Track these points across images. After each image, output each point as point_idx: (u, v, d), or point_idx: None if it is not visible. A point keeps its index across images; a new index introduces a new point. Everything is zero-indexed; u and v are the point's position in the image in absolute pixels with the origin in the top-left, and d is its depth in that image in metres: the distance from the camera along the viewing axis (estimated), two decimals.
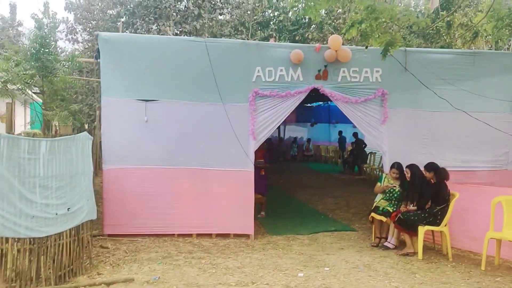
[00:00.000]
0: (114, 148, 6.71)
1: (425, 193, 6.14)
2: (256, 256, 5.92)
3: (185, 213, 6.84)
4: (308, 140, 20.64)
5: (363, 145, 15.19)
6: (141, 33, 13.91)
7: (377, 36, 6.27)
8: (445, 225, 6.02)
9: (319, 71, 6.96)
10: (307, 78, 6.96)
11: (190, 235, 6.86)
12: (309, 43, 15.87)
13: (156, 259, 5.67)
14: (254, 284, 4.80)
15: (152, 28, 14.78)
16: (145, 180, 6.78)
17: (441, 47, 12.63)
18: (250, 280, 4.94)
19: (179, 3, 15.73)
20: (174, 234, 6.85)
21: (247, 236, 6.89)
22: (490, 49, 16.53)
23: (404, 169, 6.51)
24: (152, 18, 14.90)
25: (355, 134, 15.42)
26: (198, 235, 6.89)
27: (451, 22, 12.53)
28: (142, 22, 15.04)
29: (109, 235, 6.62)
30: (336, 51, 6.82)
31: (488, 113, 7.42)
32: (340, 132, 17.63)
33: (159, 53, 6.77)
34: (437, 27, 12.54)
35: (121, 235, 6.65)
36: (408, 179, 6.42)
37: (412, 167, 6.39)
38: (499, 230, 5.68)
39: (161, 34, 13.34)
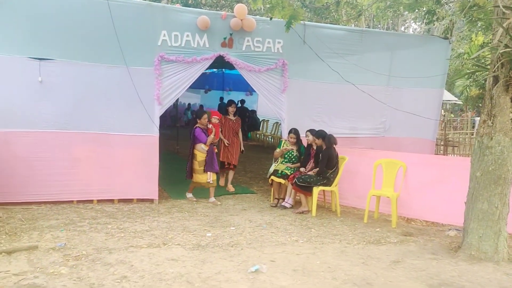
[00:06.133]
0: (3, 110, 6.15)
1: (324, 160, 6.70)
2: (163, 220, 6.02)
3: (85, 179, 6.61)
4: (201, 106, 20.72)
5: (248, 113, 15.83)
6: None
7: (281, 8, 6.57)
8: (335, 185, 6.75)
9: (224, 38, 7.08)
10: (213, 45, 7.05)
11: (90, 201, 6.68)
12: (201, 8, 15.71)
13: (58, 226, 5.46)
14: (166, 245, 4.94)
15: None
16: (39, 144, 6.36)
17: (330, 22, 13.56)
18: (161, 241, 5.06)
19: None
20: (73, 200, 6.60)
21: (150, 200, 6.92)
22: (368, 27, 18.15)
23: (305, 133, 7.08)
24: None
25: (242, 101, 15.94)
26: (99, 201, 6.74)
27: (339, 0, 13.46)
28: None
29: None
30: (241, 20, 6.99)
31: (371, 86, 8.30)
32: (221, 99, 18.04)
33: (56, 8, 6.24)
34: (327, 3, 13.40)
35: (12, 203, 6.20)
36: (309, 143, 7.04)
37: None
38: (379, 188, 6.57)
39: None
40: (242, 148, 8.13)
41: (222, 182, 8.18)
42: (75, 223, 5.62)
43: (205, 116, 7.09)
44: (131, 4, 6.69)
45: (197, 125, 7.08)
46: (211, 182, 7.00)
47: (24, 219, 5.68)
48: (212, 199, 7.10)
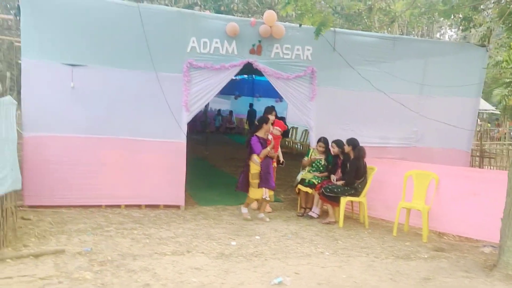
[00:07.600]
0: (35, 115, 6.30)
1: (351, 170, 6.54)
2: (188, 226, 6.01)
3: (114, 184, 6.69)
4: (231, 112, 20.87)
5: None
6: None
7: (311, 15, 6.48)
8: (364, 196, 6.57)
9: (253, 45, 7.05)
10: (241, 52, 7.03)
11: (118, 206, 6.75)
12: (234, 15, 15.86)
13: (85, 230, 5.52)
14: (190, 253, 4.91)
15: None
16: (70, 149, 6.48)
17: (362, 29, 13.33)
18: (185, 249, 5.04)
19: None
20: (101, 205, 6.69)
21: (177, 207, 6.93)
22: (401, 34, 17.76)
23: (330, 144, 6.96)
24: None
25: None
26: (127, 206, 6.80)
27: (372, 6, 13.22)
28: None
29: (30, 207, 6.27)
30: (270, 26, 6.95)
31: (403, 94, 8.08)
32: (250, 105, 17.99)
33: (87, 14, 6.37)
34: (359, 10, 13.19)
35: (43, 206, 6.33)
36: (335, 154, 6.91)
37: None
38: (409, 200, 6.35)
39: None
40: (282, 159, 7.09)
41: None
42: (102, 228, 5.69)
43: (270, 121, 6.45)
44: (162, 11, 6.78)
45: (255, 133, 6.47)
46: (267, 198, 6.41)
47: (53, 222, 5.78)
48: (261, 215, 6.56)
